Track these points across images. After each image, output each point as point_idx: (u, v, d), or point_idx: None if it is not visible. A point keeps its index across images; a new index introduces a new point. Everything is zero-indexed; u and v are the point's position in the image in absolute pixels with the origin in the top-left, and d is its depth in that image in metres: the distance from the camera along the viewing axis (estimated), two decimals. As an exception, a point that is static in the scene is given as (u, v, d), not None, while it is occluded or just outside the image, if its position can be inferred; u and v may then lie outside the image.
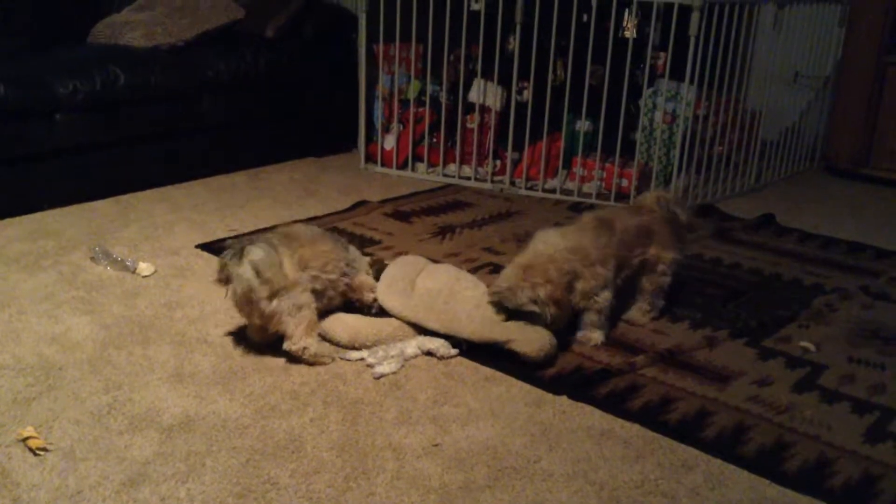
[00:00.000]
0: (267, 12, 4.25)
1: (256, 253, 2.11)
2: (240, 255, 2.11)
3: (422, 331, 2.35)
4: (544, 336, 2.26)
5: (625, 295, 2.55)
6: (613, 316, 2.56)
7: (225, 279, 2.16)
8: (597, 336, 2.39)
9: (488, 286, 2.39)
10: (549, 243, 2.34)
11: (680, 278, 2.66)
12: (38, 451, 1.81)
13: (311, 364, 2.22)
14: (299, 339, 2.19)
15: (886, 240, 3.46)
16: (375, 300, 2.45)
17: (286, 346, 2.20)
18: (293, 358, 2.24)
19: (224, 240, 3.06)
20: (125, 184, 3.65)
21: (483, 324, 2.29)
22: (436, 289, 2.42)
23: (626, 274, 2.45)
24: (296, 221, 2.51)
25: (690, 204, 3.78)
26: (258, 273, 2.10)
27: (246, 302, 2.16)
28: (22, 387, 2.07)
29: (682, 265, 2.60)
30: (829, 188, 4.28)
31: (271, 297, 2.15)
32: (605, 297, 2.35)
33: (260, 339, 2.28)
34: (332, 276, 2.33)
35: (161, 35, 3.85)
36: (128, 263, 2.80)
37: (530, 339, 2.25)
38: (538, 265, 2.27)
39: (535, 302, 2.23)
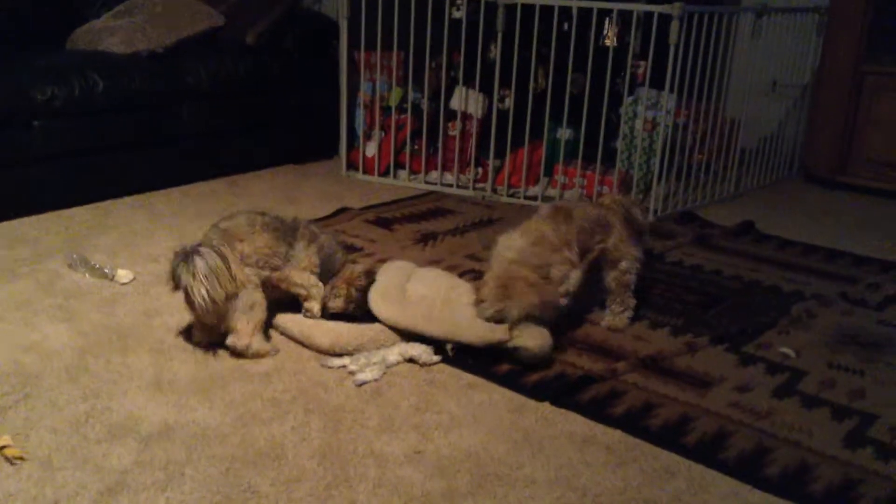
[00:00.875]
0: (248, 19, 4.24)
1: (205, 260, 2.13)
2: (189, 261, 2.14)
3: (411, 337, 2.34)
4: (545, 334, 2.28)
5: (594, 300, 2.58)
6: (590, 321, 2.59)
7: (177, 286, 2.18)
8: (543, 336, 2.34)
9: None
10: (513, 248, 2.37)
11: (657, 284, 2.67)
12: (14, 461, 1.78)
13: (255, 357, 2.28)
14: (244, 336, 2.25)
15: (864, 246, 3.49)
16: (306, 300, 2.42)
17: (230, 341, 2.26)
18: (275, 365, 2.24)
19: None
20: (104, 191, 3.62)
21: (485, 327, 2.29)
22: (430, 296, 2.41)
23: (589, 260, 2.47)
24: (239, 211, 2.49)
25: (670, 211, 3.81)
26: (210, 280, 2.13)
27: (200, 306, 2.16)
28: (-2, 395, 2.04)
29: (644, 264, 2.62)
30: (807, 196, 4.33)
31: (227, 299, 2.19)
32: (575, 277, 2.37)
33: (205, 338, 2.31)
34: (266, 273, 2.33)
35: (141, 41, 3.82)
36: (106, 271, 2.77)
37: (532, 336, 2.26)
38: (513, 277, 2.29)
39: (528, 315, 2.25)
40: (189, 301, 2.18)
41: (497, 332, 2.28)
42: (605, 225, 2.50)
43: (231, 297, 2.20)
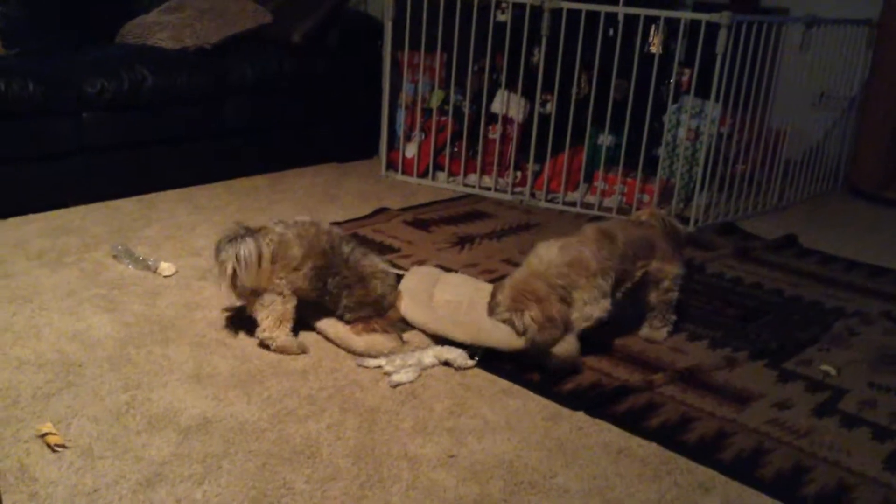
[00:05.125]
0: (294, 18, 4.27)
1: (244, 249, 2.21)
2: (232, 243, 2.23)
3: (444, 341, 2.35)
4: (572, 341, 2.27)
5: (634, 311, 2.55)
6: (629, 331, 2.57)
7: (216, 258, 2.28)
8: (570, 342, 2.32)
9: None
10: (544, 259, 2.35)
11: (697, 296, 2.64)
12: (56, 448, 1.82)
13: (281, 351, 2.31)
14: (265, 330, 2.30)
15: (909, 264, 3.43)
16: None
17: (257, 333, 2.32)
18: (311, 363, 2.27)
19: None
20: (149, 183, 3.67)
21: (510, 332, 2.28)
22: (455, 301, 2.44)
23: (629, 287, 2.44)
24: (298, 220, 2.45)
25: (711, 222, 3.77)
26: (240, 267, 2.21)
27: (225, 283, 2.28)
28: (42, 382, 2.08)
29: (686, 279, 2.59)
30: (852, 210, 4.25)
31: (251, 292, 2.28)
32: (602, 307, 2.33)
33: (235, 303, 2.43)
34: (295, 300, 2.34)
35: (189, 37, 3.88)
36: (149, 263, 2.82)
37: (559, 343, 2.25)
38: (527, 287, 2.28)
39: (529, 327, 2.24)
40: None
41: (520, 341, 2.27)
42: (649, 247, 2.47)
43: (254, 290, 2.27)
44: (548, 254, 2.36)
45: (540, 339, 2.23)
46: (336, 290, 2.35)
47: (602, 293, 2.33)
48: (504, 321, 2.29)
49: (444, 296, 2.49)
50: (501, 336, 2.29)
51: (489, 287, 2.53)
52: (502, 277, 2.90)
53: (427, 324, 2.38)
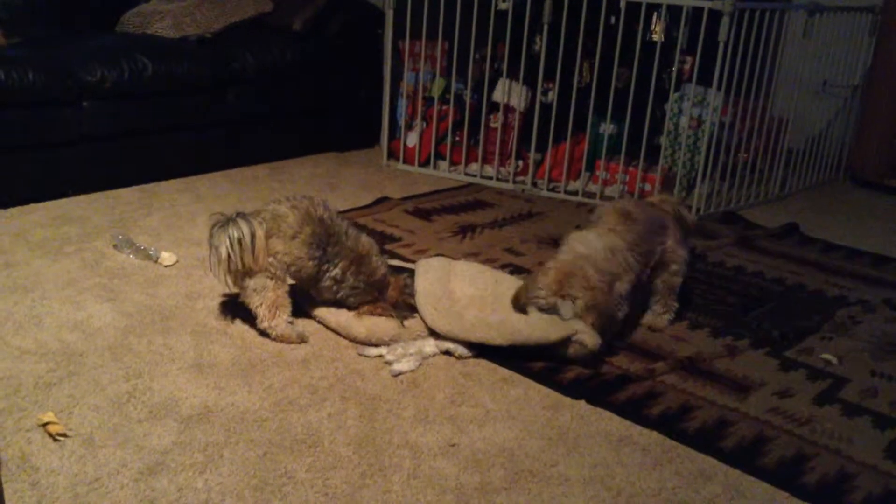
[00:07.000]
0: (295, 6, 4.26)
1: (237, 229, 2.22)
2: (225, 226, 2.23)
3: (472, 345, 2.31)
4: (594, 334, 2.26)
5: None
6: (630, 320, 2.57)
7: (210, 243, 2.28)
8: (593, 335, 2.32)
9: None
10: (587, 244, 2.32)
11: (699, 284, 2.64)
12: (57, 437, 1.82)
13: (280, 340, 2.31)
14: (263, 318, 2.30)
15: (912, 253, 3.42)
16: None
17: (257, 323, 2.32)
18: (312, 352, 2.27)
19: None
20: (149, 173, 3.67)
21: (544, 328, 2.24)
22: (479, 296, 2.39)
23: (650, 266, 2.43)
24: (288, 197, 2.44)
25: (713, 210, 3.76)
26: (234, 249, 2.22)
27: (221, 268, 2.26)
28: (43, 372, 2.08)
29: (689, 266, 2.59)
30: (854, 199, 4.24)
31: (241, 273, 2.27)
32: (623, 289, 2.33)
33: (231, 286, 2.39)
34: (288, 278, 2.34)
35: (190, 25, 3.86)
36: (150, 252, 2.82)
37: (588, 332, 2.23)
38: (577, 272, 2.24)
39: (578, 316, 2.22)
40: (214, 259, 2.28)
41: (557, 333, 2.23)
42: (663, 227, 2.47)
43: (247, 273, 2.26)
44: (587, 240, 2.34)
45: (594, 326, 2.21)
46: (337, 261, 2.33)
47: (631, 282, 2.33)
48: (549, 305, 2.24)
49: (464, 290, 2.43)
50: (538, 335, 2.23)
51: (508, 278, 2.51)
52: (505, 266, 2.91)
53: (459, 333, 2.28)
